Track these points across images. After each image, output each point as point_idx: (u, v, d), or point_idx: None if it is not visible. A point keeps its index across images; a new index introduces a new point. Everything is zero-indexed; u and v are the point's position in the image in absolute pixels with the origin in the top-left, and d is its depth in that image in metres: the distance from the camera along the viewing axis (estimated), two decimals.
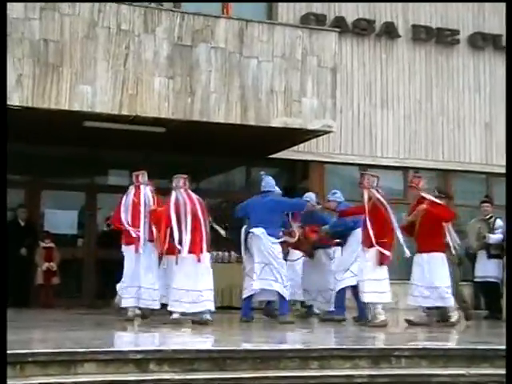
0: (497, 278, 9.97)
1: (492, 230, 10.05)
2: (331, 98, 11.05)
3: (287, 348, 5.74)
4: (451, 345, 6.63)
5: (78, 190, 12.50)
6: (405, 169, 13.44)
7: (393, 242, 8.31)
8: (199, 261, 7.96)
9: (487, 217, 10.24)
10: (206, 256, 8.13)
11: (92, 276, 12.18)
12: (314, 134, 11.46)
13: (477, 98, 13.98)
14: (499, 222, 10.12)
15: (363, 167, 13.19)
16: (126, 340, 6.38)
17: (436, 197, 8.85)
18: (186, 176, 8.44)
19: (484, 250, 10.08)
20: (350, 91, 13.19)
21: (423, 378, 5.49)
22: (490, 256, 9.97)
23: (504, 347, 5.70)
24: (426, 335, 7.55)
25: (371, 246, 8.12)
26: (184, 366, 5.19)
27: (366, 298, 8.25)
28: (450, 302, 8.50)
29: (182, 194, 8.23)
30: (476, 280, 10.26)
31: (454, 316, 8.58)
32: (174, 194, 8.26)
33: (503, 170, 13.66)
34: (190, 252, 7.93)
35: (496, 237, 9.98)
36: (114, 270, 12.53)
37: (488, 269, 9.99)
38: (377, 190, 8.41)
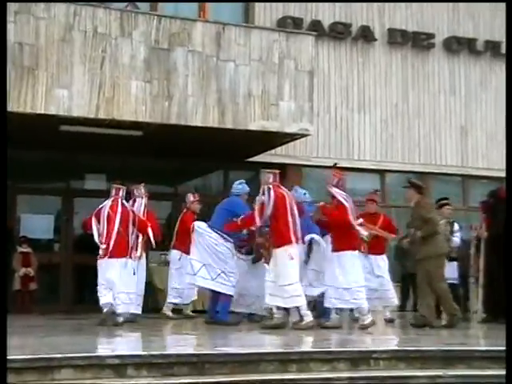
0: (454, 279, 10.15)
1: (452, 233, 10.18)
2: (308, 101, 11.09)
3: (266, 351, 5.74)
4: (428, 346, 6.66)
5: (55, 194, 12.40)
6: (382, 172, 13.53)
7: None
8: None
9: (450, 220, 10.35)
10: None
11: (69, 281, 12.08)
12: (292, 137, 11.49)
13: (452, 102, 14.11)
14: (456, 226, 10.32)
15: (340, 170, 13.26)
16: (103, 345, 6.34)
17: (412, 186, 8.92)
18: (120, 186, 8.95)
19: None
20: (327, 95, 13.24)
21: (401, 379, 5.52)
22: (449, 259, 10.09)
23: (480, 348, 5.76)
24: (404, 337, 7.60)
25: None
26: (163, 371, 5.17)
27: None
28: (361, 303, 8.10)
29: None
30: None
31: (367, 319, 8.06)
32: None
33: (478, 173, 13.86)
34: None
35: (457, 240, 10.20)
36: (90, 275, 12.53)
37: (447, 271, 10.10)
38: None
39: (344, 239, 8.10)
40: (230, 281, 8.58)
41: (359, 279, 8.14)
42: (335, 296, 8.10)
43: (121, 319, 8.36)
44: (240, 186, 9.08)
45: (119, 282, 8.39)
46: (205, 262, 8.59)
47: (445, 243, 9.02)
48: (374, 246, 9.28)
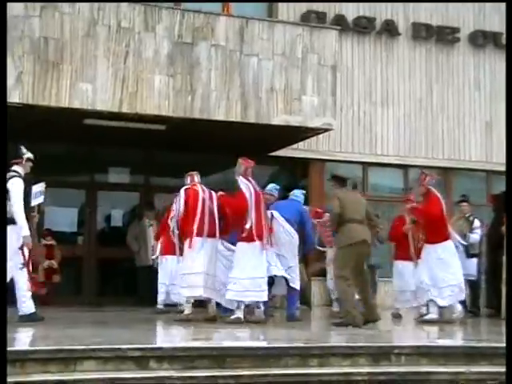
0: (475, 276, 10.13)
1: (471, 230, 10.14)
2: (331, 96, 11.05)
3: (287, 346, 5.75)
4: (451, 343, 6.63)
5: (79, 187, 12.50)
6: (405, 167, 13.44)
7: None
8: None
9: (467, 215, 10.28)
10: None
11: (92, 274, 12.19)
12: (315, 132, 11.46)
13: (477, 96, 13.98)
14: (477, 223, 10.26)
15: (364, 165, 13.22)
16: (125, 337, 6.38)
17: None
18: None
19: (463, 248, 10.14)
20: (350, 89, 13.18)
21: (423, 375, 5.50)
22: (468, 255, 10.05)
23: (503, 345, 5.71)
24: (426, 333, 7.56)
25: None
26: (184, 364, 5.20)
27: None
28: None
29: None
30: None
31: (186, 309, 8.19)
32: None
33: (503, 168, 13.69)
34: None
35: (475, 237, 10.15)
36: (113, 267, 12.63)
37: (467, 267, 10.06)
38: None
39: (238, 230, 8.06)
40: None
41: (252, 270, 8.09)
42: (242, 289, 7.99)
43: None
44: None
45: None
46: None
47: (356, 233, 7.78)
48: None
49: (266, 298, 8.04)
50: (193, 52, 10.35)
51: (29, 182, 7.79)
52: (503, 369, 5.51)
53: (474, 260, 10.16)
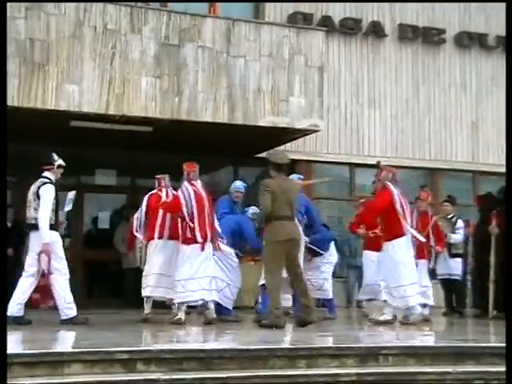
0: (459, 275, 10.20)
1: (453, 230, 10.17)
2: (318, 97, 11.08)
3: (275, 347, 5.74)
4: (438, 343, 6.65)
5: (65, 189, 12.39)
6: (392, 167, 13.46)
7: None
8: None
9: (449, 216, 10.33)
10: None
11: (79, 276, 12.12)
12: (302, 133, 11.48)
13: (463, 97, 14.05)
14: (460, 223, 10.28)
15: (351, 166, 13.25)
16: (112, 340, 6.36)
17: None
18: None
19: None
20: (337, 90, 13.22)
21: (410, 376, 5.51)
22: (451, 255, 10.12)
23: (490, 345, 5.74)
24: (412, 333, 7.58)
25: None
26: (171, 366, 5.18)
27: None
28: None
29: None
30: (439, 277, 10.32)
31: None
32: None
33: (489, 169, 13.79)
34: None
35: (457, 237, 10.17)
36: (100, 270, 12.58)
37: (450, 266, 10.15)
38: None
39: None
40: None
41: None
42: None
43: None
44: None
45: None
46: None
47: (284, 231, 7.45)
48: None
49: (212, 298, 8.01)
50: (179, 53, 10.34)
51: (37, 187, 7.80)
52: (491, 368, 5.55)
53: (458, 260, 10.21)
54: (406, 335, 7.30)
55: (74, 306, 7.63)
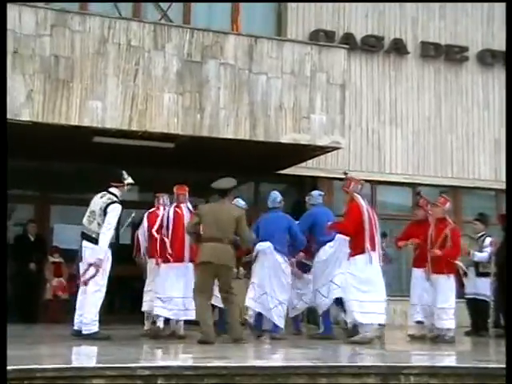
0: (486, 296, 9.99)
1: (481, 249, 10.03)
2: (340, 114, 11.06)
3: (296, 365, 5.71)
4: (460, 363, 6.57)
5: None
6: (413, 185, 13.41)
7: None
8: None
9: (479, 235, 10.21)
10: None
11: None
12: (323, 150, 11.46)
13: (486, 115, 13.97)
14: (487, 241, 10.12)
15: (372, 183, 13.20)
16: (134, 356, 6.36)
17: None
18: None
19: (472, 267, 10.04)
20: (358, 108, 13.21)
21: None
22: (478, 274, 9.98)
23: None
24: (435, 353, 7.50)
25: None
26: (192, 382, 5.16)
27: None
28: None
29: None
30: (466, 297, 10.19)
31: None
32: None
33: None
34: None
35: (481, 255, 10.01)
36: (120, 285, 12.58)
37: (477, 286, 10.00)
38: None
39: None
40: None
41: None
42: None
43: None
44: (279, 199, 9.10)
45: None
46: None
47: (207, 252, 7.82)
48: None
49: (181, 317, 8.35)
50: (202, 70, 10.40)
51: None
52: None
53: (486, 279, 10.00)
54: (429, 355, 7.22)
55: (97, 322, 7.69)
